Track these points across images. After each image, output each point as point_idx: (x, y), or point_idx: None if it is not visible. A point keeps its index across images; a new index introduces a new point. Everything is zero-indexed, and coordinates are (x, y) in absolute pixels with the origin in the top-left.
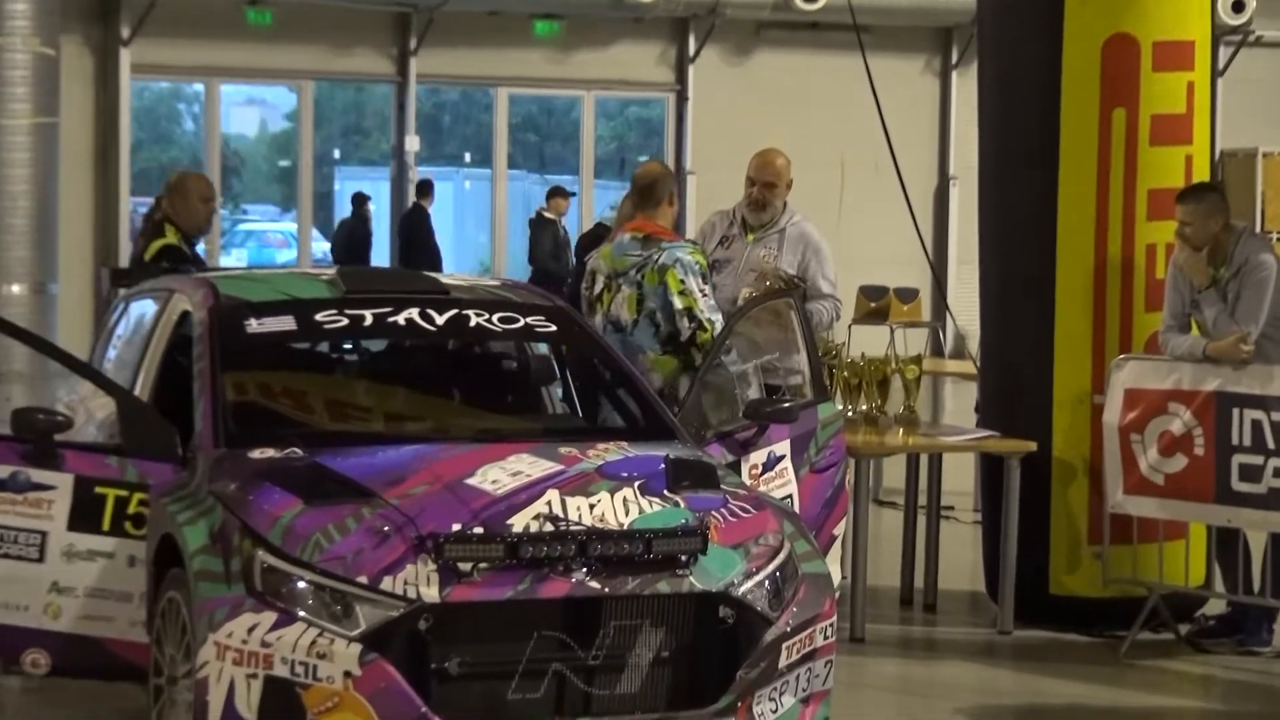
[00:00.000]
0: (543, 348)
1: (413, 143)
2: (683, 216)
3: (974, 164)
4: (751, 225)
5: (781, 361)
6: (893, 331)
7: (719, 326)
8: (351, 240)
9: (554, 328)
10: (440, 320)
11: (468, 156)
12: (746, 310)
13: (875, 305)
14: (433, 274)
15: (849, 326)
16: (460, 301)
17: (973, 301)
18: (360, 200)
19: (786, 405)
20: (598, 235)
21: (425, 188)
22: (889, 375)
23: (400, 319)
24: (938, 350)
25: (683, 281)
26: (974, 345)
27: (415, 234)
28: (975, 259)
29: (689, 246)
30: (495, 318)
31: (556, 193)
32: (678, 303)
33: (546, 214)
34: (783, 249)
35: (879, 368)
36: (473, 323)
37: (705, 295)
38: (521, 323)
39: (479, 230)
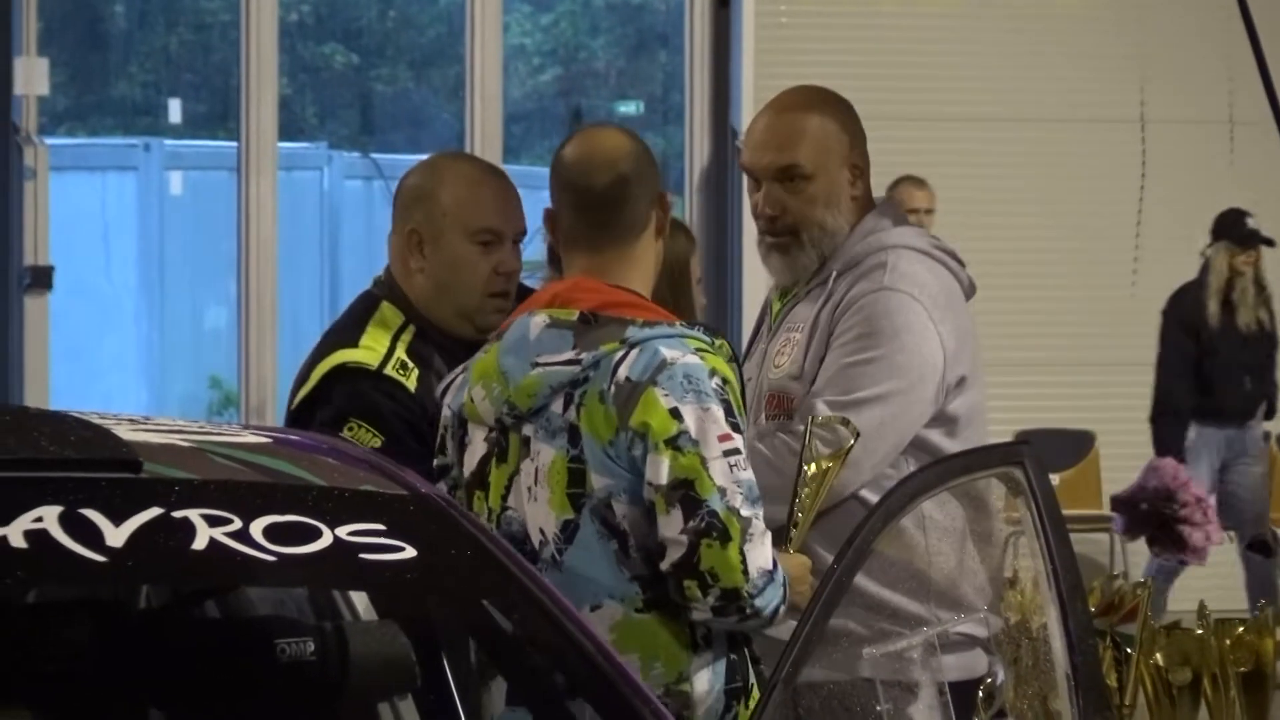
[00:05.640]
0: (384, 608)
1: (35, 76)
2: (734, 270)
3: None
4: (781, 287)
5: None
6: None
7: (756, 531)
8: None
9: (410, 553)
10: (119, 537)
11: (175, 112)
12: (900, 505)
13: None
14: (91, 415)
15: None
16: (171, 487)
17: None
18: None
19: None
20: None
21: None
22: (1269, 660)
23: (15, 534)
24: None
25: (677, 415)
26: None
27: None
28: None
29: (699, 336)
30: (260, 529)
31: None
32: (664, 470)
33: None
34: (812, 327)
35: (1245, 638)
36: (199, 542)
37: (733, 451)
38: (328, 540)
39: (212, 296)
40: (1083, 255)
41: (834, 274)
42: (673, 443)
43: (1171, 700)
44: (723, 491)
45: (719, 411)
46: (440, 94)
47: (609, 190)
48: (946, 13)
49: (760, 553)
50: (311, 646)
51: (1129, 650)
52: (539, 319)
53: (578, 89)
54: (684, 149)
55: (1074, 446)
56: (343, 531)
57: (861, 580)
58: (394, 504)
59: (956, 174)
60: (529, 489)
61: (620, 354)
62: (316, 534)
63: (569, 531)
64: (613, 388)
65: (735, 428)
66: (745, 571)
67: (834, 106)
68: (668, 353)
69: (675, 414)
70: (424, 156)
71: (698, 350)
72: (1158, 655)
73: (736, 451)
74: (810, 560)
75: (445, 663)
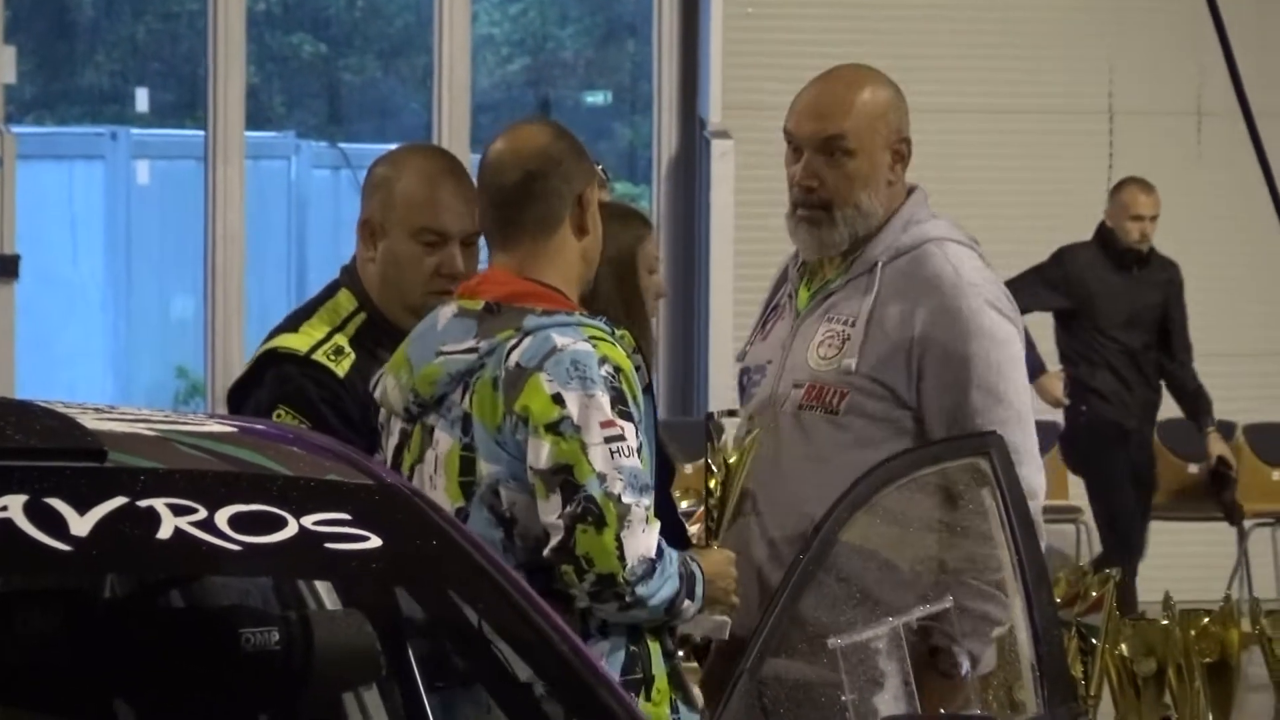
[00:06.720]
0: (349, 597)
1: (2, 64)
2: (701, 259)
3: None
4: (810, 268)
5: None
6: (1243, 537)
7: (636, 519)
8: None
9: (376, 542)
10: (84, 526)
11: (142, 101)
12: (864, 495)
13: (1197, 470)
14: (56, 404)
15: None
16: (136, 476)
17: None
18: None
19: None
20: None
21: None
22: (1234, 652)
23: None
24: None
25: (559, 400)
26: None
27: None
28: None
29: (597, 325)
30: (225, 519)
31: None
32: (544, 454)
33: None
34: (867, 323)
35: (1210, 629)
36: (164, 532)
37: (615, 438)
38: (293, 530)
39: (179, 285)
40: (1049, 246)
41: (879, 264)
42: (554, 428)
43: (1136, 691)
44: (602, 477)
45: (604, 399)
46: (408, 84)
47: (516, 188)
48: (913, 3)
49: (640, 540)
50: (276, 636)
51: (1094, 641)
52: (448, 309)
53: (546, 79)
54: (652, 139)
55: (1042, 435)
56: (308, 521)
57: (830, 568)
58: (359, 493)
59: (923, 164)
60: (430, 478)
61: (514, 341)
62: (282, 523)
63: (462, 519)
64: (504, 373)
65: (625, 416)
66: (621, 558)
67: (886, 87)
68: (559, 339)
69: (558, 399)
70: (391, 146)
71: (592, 338)
72: (1123, 646)
73: (620, 438)
74: (734, 554)
75: (410, 652)
